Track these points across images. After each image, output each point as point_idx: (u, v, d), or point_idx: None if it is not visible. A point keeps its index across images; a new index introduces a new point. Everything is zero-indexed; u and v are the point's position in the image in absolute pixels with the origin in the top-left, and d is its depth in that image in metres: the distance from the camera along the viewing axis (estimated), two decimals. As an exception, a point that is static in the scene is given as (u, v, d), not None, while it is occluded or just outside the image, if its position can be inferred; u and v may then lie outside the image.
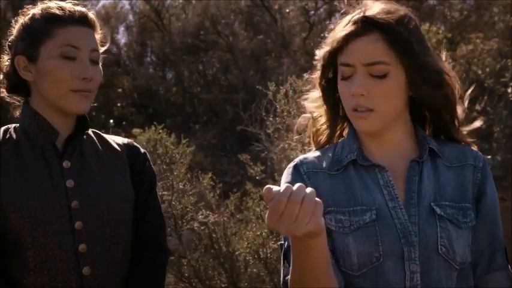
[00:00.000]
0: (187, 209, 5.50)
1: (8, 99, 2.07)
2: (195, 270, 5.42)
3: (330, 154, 1.84)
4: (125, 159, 2.05)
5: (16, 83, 2.00)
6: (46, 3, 2.00)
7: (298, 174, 1.81)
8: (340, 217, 1.74)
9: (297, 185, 1.47)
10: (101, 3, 15.18)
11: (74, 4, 2.01)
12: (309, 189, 1.47)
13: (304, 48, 12.23)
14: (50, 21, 1.95)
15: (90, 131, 2.06)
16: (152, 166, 2.15)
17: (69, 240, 1.89)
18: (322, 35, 1.88)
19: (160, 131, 6.20)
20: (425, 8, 11.24)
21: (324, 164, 1.82)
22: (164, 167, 5.97)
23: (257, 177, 6.26)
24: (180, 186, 5.56)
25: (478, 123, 1.88)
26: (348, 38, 1.73)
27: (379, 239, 1.70)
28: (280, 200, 1.44)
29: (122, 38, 15.60)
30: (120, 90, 14.98)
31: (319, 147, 1.91)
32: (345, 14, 1.79)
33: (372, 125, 1.76)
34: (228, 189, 6.82)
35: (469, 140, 1.88)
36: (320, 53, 1.82)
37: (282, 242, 1.78)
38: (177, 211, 5.33)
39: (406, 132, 1.82)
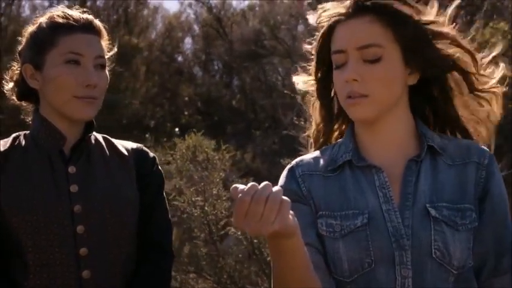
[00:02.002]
0: (222, 215, 5.49)
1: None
2: (230, 276, 5.41)
3: (327, 154, 1.78)
4: (132, 164, 2.05)
5: (25, 91, 2.05)
6: (53, 12, 2.03)
7: (293, 177, 1.76)
8: (331, 221, 1.68)
9: (263, 183, 1.43)
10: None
11: (82, 12, 2.03)
12: (275, 188, 1.42)
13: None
14: (54, 30, 1.98)
15: (100, 137, 2.08)
16: (161, 170, 2.15)
17: (70, 243, 1.90)
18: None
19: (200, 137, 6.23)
20: (486, 5, 10.87)
21: (320, 165, 1.76)
22: (206, 173, 5.98)
23: (299, 182, 6.16)
24: (214, 192, 5.56)
25: None
26: (338, 21, 1.69)
27: (370, 244, 1.63)
28: (244, 199, 1.41)
29: (188, 47, 15.84)
30: (186, 98, 15.21)
31: (318, 147, 1.86)
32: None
33: (366, 112, 1.68)
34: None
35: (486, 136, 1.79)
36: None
37: None
38: (209, 216, 5.33)
39: (405, 125, 1.73)
